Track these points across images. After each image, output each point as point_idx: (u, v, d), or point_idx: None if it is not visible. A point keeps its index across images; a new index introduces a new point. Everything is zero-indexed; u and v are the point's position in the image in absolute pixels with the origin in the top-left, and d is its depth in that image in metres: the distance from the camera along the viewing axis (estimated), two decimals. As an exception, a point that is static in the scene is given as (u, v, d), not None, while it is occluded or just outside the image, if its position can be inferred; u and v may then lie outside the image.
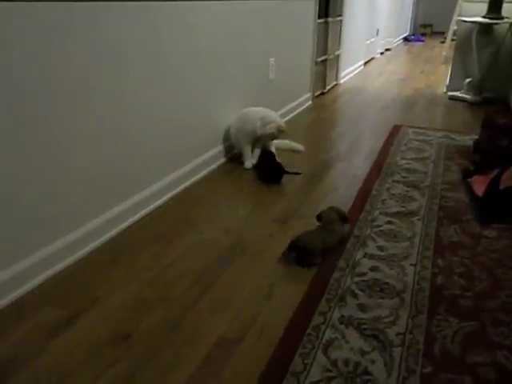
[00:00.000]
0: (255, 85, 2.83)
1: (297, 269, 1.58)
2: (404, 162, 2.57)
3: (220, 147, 2.50)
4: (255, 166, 2.43)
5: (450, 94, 4.21)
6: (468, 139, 2.94)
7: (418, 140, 2.96)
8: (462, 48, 4.18)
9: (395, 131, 3.13)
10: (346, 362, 1.17)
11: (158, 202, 2.01)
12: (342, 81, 4.86)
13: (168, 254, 1.67)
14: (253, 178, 2.35)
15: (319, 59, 4.01)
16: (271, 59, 2.99)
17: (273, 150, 2.52)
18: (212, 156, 2.41)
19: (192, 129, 2.21)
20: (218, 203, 2.09)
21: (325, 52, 4.15)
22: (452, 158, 2.62)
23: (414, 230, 1.82)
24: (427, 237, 1.77)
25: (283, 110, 3.30)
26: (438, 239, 1.76)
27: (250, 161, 2.45)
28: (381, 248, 1.69)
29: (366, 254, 1.65)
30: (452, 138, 3.00)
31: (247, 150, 2.45)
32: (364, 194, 2.15)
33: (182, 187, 2.17)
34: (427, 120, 3.50)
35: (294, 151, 2.70)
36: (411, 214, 1.96)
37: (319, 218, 1.74)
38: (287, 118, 3.37)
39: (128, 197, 1.83)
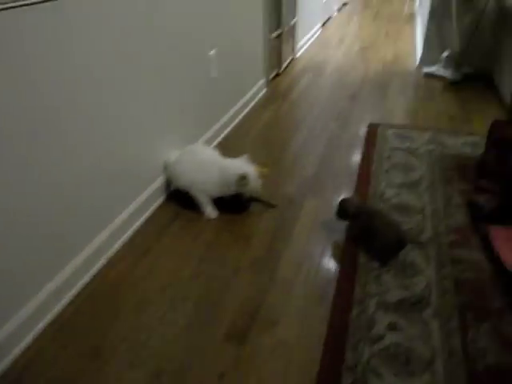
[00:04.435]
0: (194, 92, 2.10)
1: None
2: (391, 191, 1.96)
3: (149, 190, 1.81)
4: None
5: (425, 70, 3.60)
6: (461, 143, 2.39)
7: (402, 149, 2.35)
8: (437, 16, 3.53)
9: (372, 135, 2.52)
10: None
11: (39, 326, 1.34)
12: (298, 54, 4.15)
13: None
14: (198, 243, 1.70)
15: (273, 35, 3.27)
16: (212, 52, 2.25)
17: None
18: (135, 210, 1.73)
19: (109, 175, 1.51)
20: (141, 309, 1.39)
21: (279, 25, 3.41)
22: (451, 181, 2.04)
23: (429, 341, 1.24)
24: (451, 359, 1.20)
25: (231, 112, 2.61)
26: (470, 365, 1.18)
27: (213, 208, 1.84)
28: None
29: None
30: (442, 143, 2.41)
31: (206, 197, 1.83)
32: (349, 269, 1.54)
33: (92, 272, 1.50)
34: (406, 112, 2.90)
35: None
36: (418, 303, 1.38)
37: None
38: (237, 122, 2.69)
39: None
